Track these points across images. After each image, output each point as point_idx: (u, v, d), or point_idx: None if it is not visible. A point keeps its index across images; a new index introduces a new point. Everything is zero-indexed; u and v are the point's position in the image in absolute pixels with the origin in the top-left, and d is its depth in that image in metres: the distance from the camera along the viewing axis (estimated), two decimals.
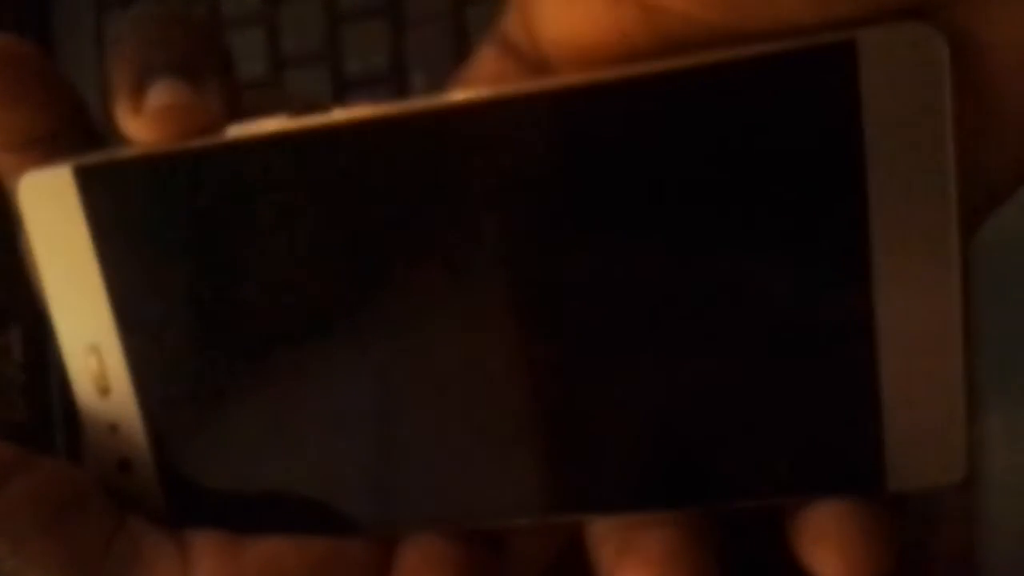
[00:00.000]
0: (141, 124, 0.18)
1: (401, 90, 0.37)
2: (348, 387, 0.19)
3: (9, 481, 0.19)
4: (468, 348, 0.18)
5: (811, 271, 0.17)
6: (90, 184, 0.19)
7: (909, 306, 0.17)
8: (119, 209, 0.19)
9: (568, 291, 0.18)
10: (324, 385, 0.19)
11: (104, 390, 0.20)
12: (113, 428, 0.20)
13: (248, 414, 0.20)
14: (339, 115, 0.18)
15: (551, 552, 0.21)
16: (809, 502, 0.18)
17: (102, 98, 0.19)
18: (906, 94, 0.16)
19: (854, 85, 0.16)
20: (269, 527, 0.20)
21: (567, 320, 0.18)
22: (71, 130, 0.20)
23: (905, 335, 0.17)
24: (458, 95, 0.18)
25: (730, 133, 0.17)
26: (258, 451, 0.20)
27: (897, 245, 0.16)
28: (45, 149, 0.19)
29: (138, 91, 0.18)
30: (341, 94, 0.38)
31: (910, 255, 0.16)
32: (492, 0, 0.19)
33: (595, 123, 0.17)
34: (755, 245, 0.17)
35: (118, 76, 0.18)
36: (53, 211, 0.19)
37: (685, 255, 0.17)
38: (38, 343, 0.43)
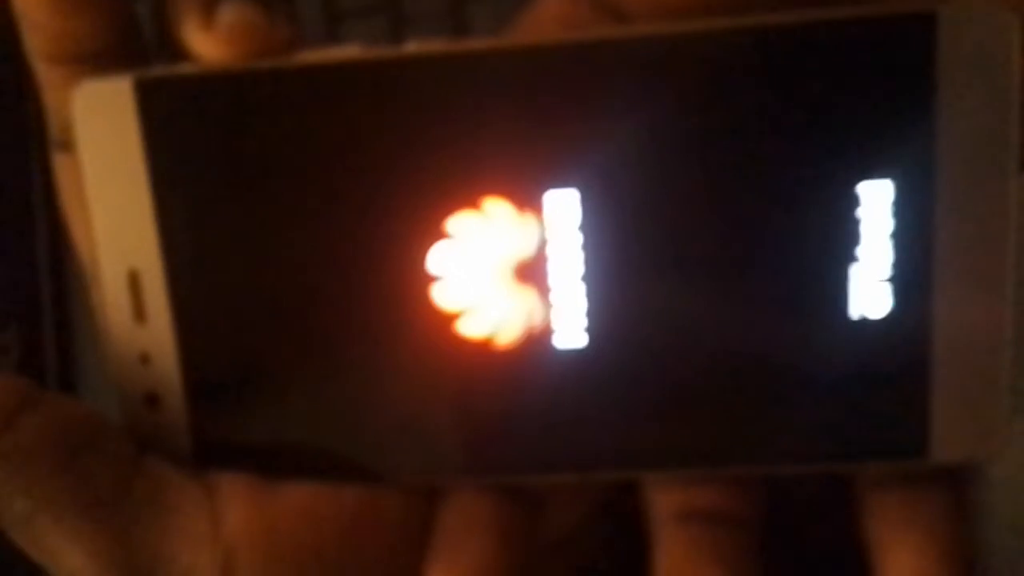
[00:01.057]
0: (211, 41, 0.18)
1: None
2: (392, 333, 0.19)
3: (23, 415, 0.18)
4: (514, 296, 0.18)
5: (874, 240, 0.17)
6: (150, 99, 0.18)
7: (963, 277, 0.17)
8: (178, 128, 0.18)
9: (623, 251, 0.18)
10: (370, 330, 0.19)
11: (140, 317, 0.19)
12: (144, 359, 0.19)
13: (288, 353, 0.19)
14: (415, 49, 0.18)
15: (580, 512, 0.20)
16: (881, 487, 0.18)
17: (159, 14, 0.19)
18: (977, 73, 0.16)
19: (931, 57, 0.16)
20: (300, 472, 0.19)
21: (614, 275, 0.18)
22: (124, 49, 0.19)
23: (957, 305, 0.17)
24: (540, 38, 0.17)
25: (805, 95, 0.17)
26: (295, 393, 0.19)
27: (958, 215, 0.17)
28: (95, 66, 0.18)
29: (209, 7, 0.18)
30: None
31: (969, 227, 0.17)
32: None
33: (671, 75, 0.17)
34: (819, 212, 0.17)
35: None
36: (108, 125, 0.18)
37: (741, 222, 0.17)
38: (35, 343, 0.42)
